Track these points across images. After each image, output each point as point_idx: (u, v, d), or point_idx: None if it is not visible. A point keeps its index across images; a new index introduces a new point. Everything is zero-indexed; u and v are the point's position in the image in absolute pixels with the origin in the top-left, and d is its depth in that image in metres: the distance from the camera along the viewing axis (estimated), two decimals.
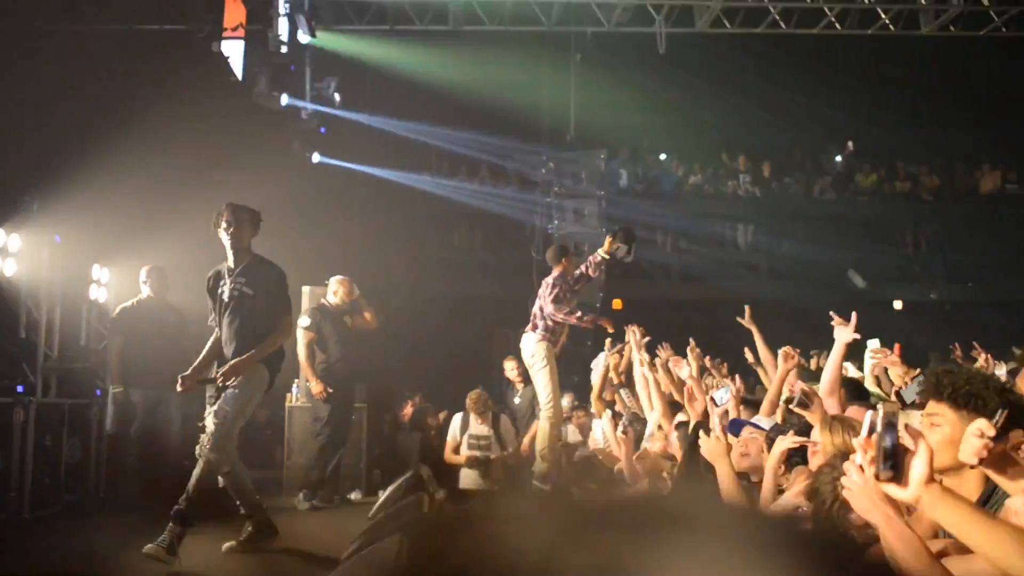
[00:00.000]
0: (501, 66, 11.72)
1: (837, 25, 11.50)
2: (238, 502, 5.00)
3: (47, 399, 7.41)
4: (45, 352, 7.74)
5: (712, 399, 4.30)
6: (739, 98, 15.23)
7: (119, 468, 7.98)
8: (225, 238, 5.00)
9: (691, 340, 6.16)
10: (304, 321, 7.39)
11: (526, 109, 12.84)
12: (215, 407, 4.80)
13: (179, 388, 5.03)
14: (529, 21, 11.33)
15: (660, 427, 5.27)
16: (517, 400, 8.37)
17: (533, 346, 6.50)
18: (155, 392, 7.04)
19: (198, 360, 5.17)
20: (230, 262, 5.08)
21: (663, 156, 16.11)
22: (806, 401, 3.59)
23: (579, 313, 6.64)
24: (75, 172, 8.22)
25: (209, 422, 4.78)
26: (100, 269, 8.56)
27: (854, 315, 4.10)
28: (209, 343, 5.19)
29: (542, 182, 13.91)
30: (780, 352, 4.71)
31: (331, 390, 7.14)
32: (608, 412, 6.44)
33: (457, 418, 7.76)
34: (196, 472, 4.77)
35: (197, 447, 4.79)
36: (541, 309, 6.57)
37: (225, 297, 5.03)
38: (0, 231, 7.06)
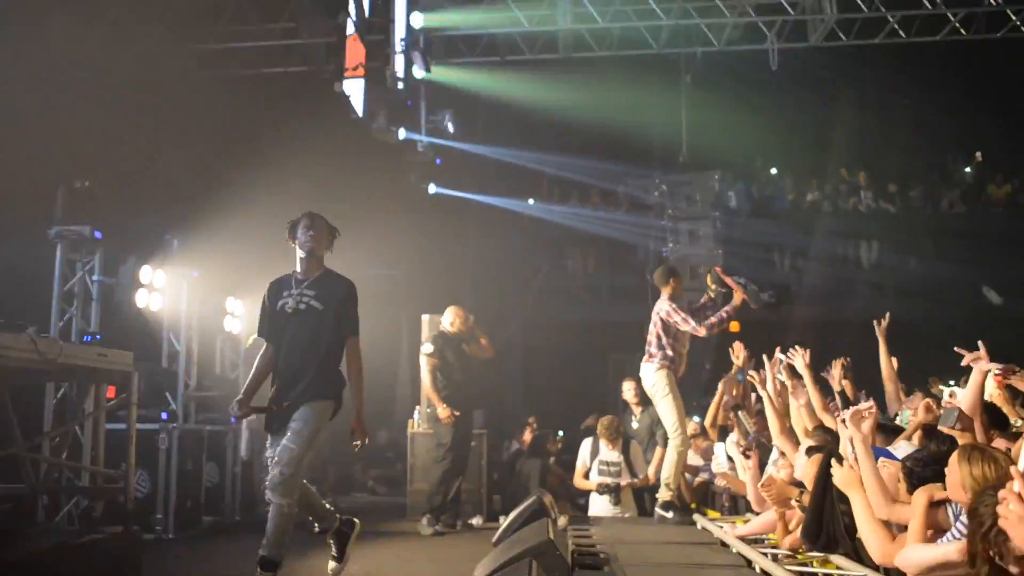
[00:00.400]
0: (611, 91, 11.76)
1: (962, 31, 11.01)
2: (310, 517, 4.73)
3: (188, 425, 7.84)
4: (184, 381, 8.20)
5: (843, 423, 4.15)
6: (857, 112, 14.76)
7: (252, 492, 8.36)
8: (302, 244, 4.62)
9: (839, 360, 5.86)
10: (427, 348, 7.58)
11: (637, 132, 12.82)
12: (282, 446, 4.37)
13: (236, 413, 4.69)
14: (638, 45, 11.31)
15: (783, 454, 5.11)
16: (635, 425, 8.30)
17: (653, 375, 6.40)
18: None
19: (249, 379, 4.75)
20: (299, 273, 4.66)
21: (778, 173, 15.75)
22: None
23: (713, 320, 6.44)
24: (210, 211, 8.71)
25: (276, 460, 4.36)
26: (233, 301, 9.03)
27: (981, 344, 3.89)
28: (259, 360, 4.72)
29: (655, 205, 13.83)
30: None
31: (457, 414, 7.29)
32: (732, 436, 6.30)
33: (587, 443, 7.71)
34: (272, 520, 4.38)
35: (267, 482, 4.44)
36: (658, 337, 6.46)
37: (288, 309, 4.57)
38: (147, 268, 7.55)
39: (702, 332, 6.36)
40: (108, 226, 6.89)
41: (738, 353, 6.69)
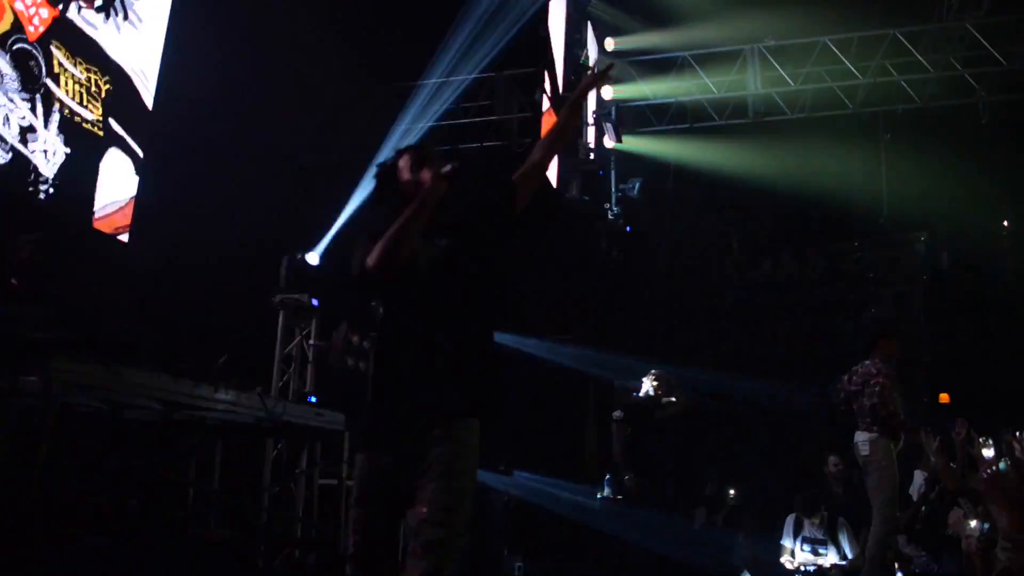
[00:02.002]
0: (804, 153, 11.46)
1: None
2: None
3: None
4: None
5: None
6: None
7: None
8: None
9: None
10: (617, 414, 7.57)
11: (833, 195, 12.37)
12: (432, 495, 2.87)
13: None
14: (832, 106, 11.02)
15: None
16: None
17: (869, 445, 6.03)
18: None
19: None
20: None
21: (990, 233, 14.60)
22: None
23: (902, 418, 6.08)
24: None
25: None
26: None
27: None
28: None
29: (855, 269, 13.21)
30: None
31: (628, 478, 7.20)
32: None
33: (790, 520, 7.37)
34: None
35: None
36: (874, 407, 6.10)
37: None
38: (356, 333, 8.04)
39: (884, 413, 5.98)
40: (323, 294, 7.43)
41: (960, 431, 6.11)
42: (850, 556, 7.01)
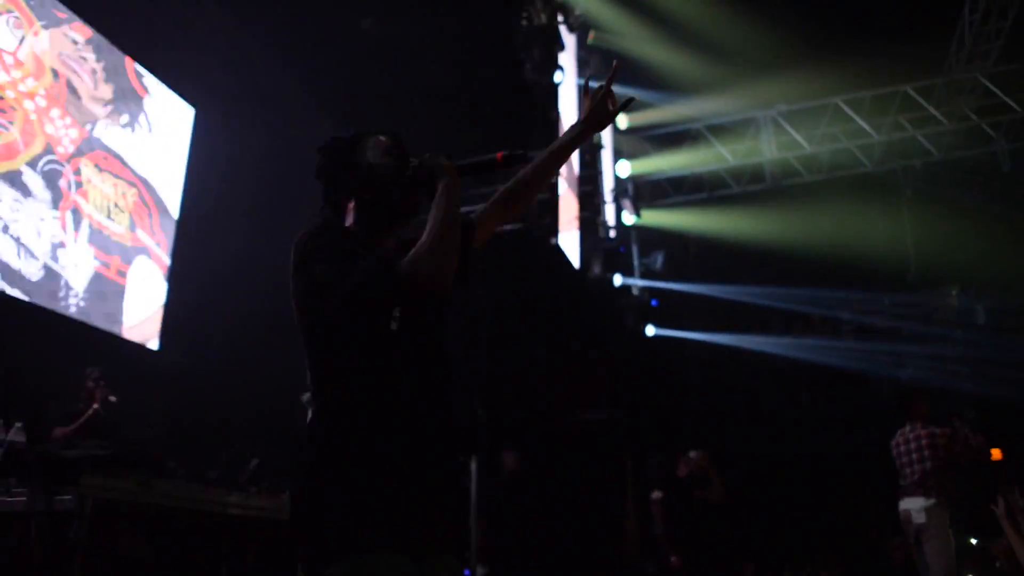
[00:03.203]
0: (825, 214, 11.42)
1: None
2: None
3: None
4: None
5: None
6: None
7: None
8: None
9: None
10: (656, 495, 7.40)
11: (857, 254, 12.28)
12: None
13: None
14: (850, 166, 11.04)
15: None
16: None
17: (923, 511, 5.78)
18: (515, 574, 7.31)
19: None
20: None
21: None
22: None
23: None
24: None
25: None
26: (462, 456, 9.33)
27: None
28: None
29: (885, 328, 13.01)
30: None
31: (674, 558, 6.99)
32: None
33: None
34: None
35: None
36: (927, 471, 5.90)
37: None
38: None
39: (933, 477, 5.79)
40: None
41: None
42: None
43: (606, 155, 10.20)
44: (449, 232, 1.98)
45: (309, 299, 1.98)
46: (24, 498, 3.97)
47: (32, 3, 6.40)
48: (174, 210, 7.76)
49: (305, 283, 1.99)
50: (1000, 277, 13.93)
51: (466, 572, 6.94)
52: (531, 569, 7.24)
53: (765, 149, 10.86)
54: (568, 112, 9.24)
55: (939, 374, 11.10)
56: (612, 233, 9.71)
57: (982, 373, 12.00)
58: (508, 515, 7.28)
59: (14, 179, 6.08)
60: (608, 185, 9.98)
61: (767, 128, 10.85)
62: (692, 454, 7.43)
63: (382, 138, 2.22)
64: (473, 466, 9.46)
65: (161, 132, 7.68)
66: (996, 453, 11.76)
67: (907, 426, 6.13)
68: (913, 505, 5.87)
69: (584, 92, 2.38)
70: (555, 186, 8.61)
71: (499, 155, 2.18)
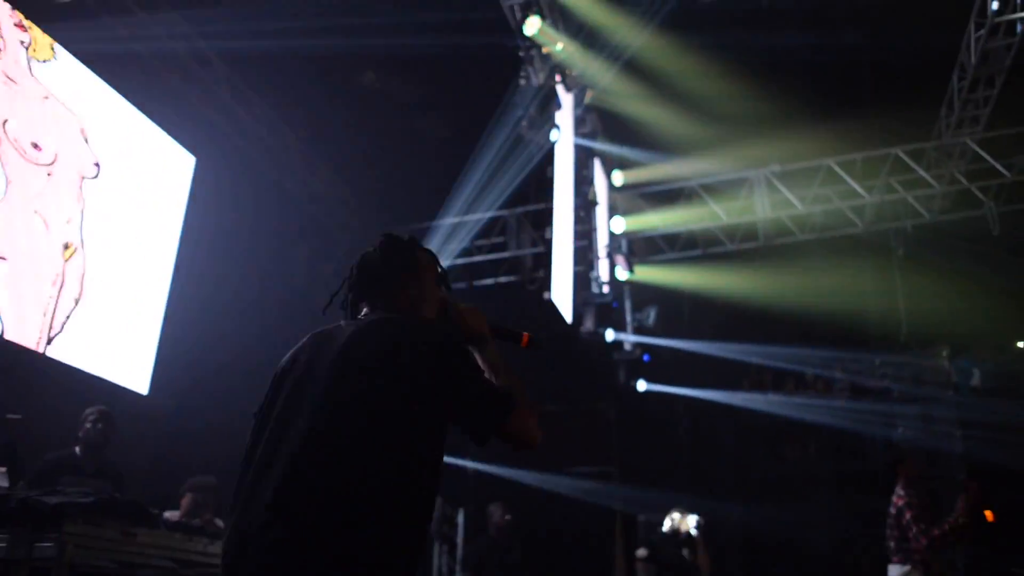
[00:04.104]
0: (817, 273, 11.52)
1: None
2: None
3: None
4: None
5: None
6: None
7: None
8: None
9: None
10: (642, 552, 7.36)
11: (849, 314, 12.35)
12: None
13: None
14: (841, 225, 11.15)
15: None
16: None
17: None
18: None
19: None
20: None
21: (1016, 345, 14.37)
22: None
23: (944, 528, 5.83)
24: None
25: None
26: (451, 509, 9.29)
27: None
28: None
29: (876, 389, 13.04)
30: None
31: None
32: None
33: None
34: None
35: None
36: (901, 531, 5.88)
37: None
38: None
39: (923, 543, 5.75)
40: None
41: None
42: None
43: (601, 211, 10.32)
44: (524, 389, 2.16)
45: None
46: (5, 544, 3.95)
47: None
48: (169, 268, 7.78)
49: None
50: (996, 339, 13.99)
51: None
52: None
53: (758, 208, 10.99)
54: (563, 170, 9.39)
55: (930, 435, 11.10)
56: (605, 288, 9.78)
57: (973, 435, 12.00)
58: (493, 569, 7.23)
59: None
60: (602, 241, 10.07)
61: (760, 187, 11.00)
62: (675, 514, 7.41)
63: (431, 259, 2.41)
64: (460, 519, 9.42)
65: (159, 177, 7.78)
66: (989, 515, 11.71)
67: (897, 488, 6.14)
68: (893, 573, 5.88)
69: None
70: (549, 241, 8.71)
71: (525, 336, 2.42)
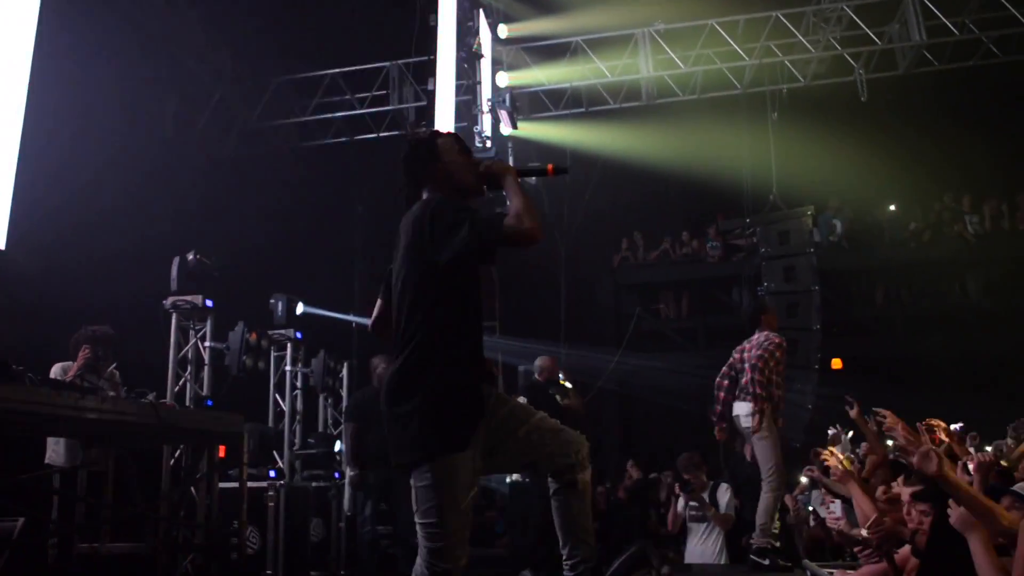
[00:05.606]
0: (697, 134, 11.75)
1: None
2: None
3: (294, 483, 8.10)
4: (290, 439, 8.52)
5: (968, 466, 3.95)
6: (957, 135, 14.17)
7: (355, 546, 8.53)
8: None
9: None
10: (520, 400, 7.64)
11: (725, 174, 12.74)
12: None
13: None
14: (721, 87, 11.33)
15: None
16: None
17: (749, 417, 6.21)
18: (386, 473, 7.47)
19: None
20: None
21: (875, 204, 15.23)
22: None
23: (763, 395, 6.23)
24: (306, 276, 9.08)
25: None
26: (335, 361, 9.37)
27: None
28: None
29: (747, 246, 13.66)
30: None
31: None
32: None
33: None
34: None
35: None
36: (752, 375, 6.27)
37: None
38: (253, 332, 7.93)
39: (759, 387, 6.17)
40: (217, 295, 7.26)
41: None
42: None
43: (485, 65, 10.08)
44: (531, 201, 2.72)
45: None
46: None
47: None
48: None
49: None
50: (854, 198, 14.76)
51: None
52: None
53: (642, 67, 10.98)
54: (447, 20, 9.06)
55: (794, 287, 11.77)
56: (488, 144, 9.69)
57: (831, 286, 12.83)
58: (375, 419, 7.38)
59: None
60: (486, 95, 9.90)
61: (644, 45, 10.96)
62: (543, 358, 7.64)
63: (452, 140, 3.06)
64: (344, 371, 9.55)
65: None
66: (836, 362, 12.73)
67: (755, 335, 6.48)
68: (740, 410, 6.29)
69: None
70: (432, 93, 8.50)
71: (550, 167, 2.98)
